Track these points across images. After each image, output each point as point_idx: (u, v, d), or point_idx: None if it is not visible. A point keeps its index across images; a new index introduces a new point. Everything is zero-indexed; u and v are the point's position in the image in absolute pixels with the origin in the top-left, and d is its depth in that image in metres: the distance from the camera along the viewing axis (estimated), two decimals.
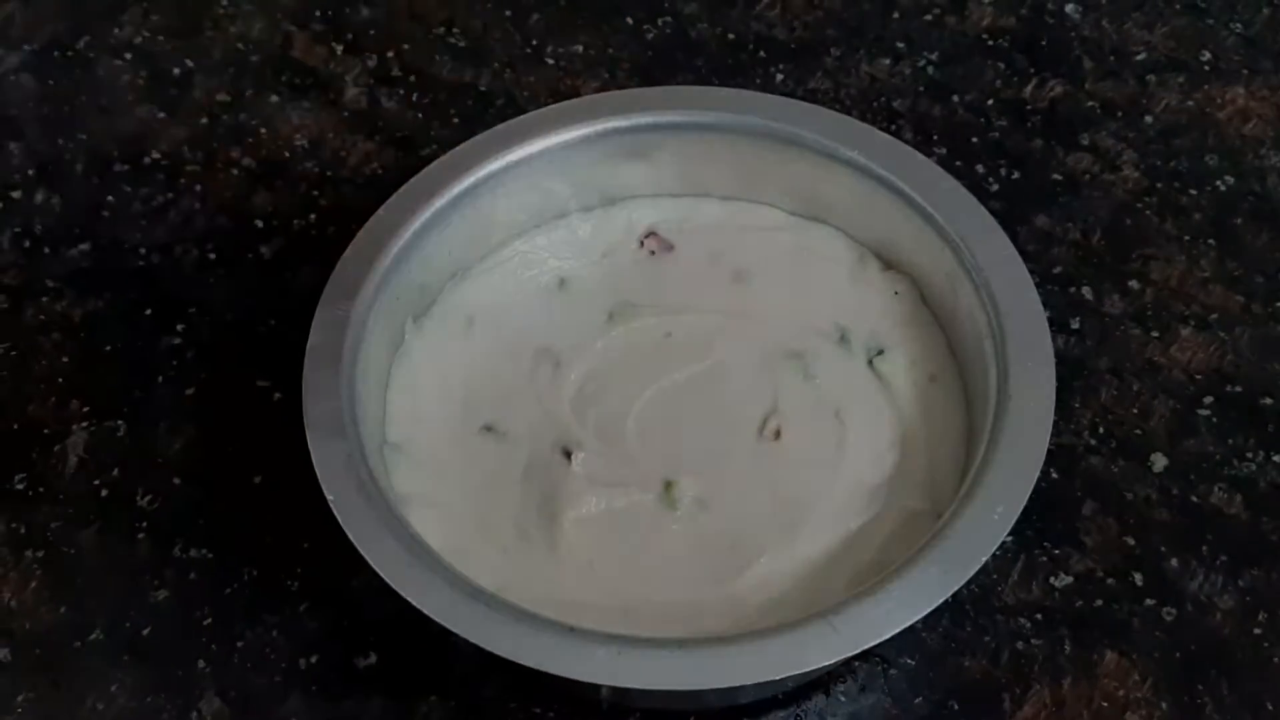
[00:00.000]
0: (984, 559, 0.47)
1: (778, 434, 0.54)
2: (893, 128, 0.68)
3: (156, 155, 0.68)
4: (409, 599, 0.47)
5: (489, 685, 0.53)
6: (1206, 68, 0.70)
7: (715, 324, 0.58)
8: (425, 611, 0.47)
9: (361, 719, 0.53)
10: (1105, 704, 0.52)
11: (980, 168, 0.66)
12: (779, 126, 0.59)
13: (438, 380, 0.57)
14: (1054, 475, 0.57)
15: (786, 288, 0.59)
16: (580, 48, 0.72)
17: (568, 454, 0.54)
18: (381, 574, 0.48)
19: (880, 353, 0.57)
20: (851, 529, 0.52)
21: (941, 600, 0.47)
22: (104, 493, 0.58)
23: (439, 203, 0.58)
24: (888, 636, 0.46)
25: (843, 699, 0.53)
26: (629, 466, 0.54)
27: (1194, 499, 0.56)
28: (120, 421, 0.60)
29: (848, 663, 0.53)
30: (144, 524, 0.57)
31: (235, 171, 0.68)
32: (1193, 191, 0.65)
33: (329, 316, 0.54)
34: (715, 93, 0.63)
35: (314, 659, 0.54)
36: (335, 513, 0.49)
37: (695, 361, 0.57)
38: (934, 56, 0.71)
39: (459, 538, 0.52)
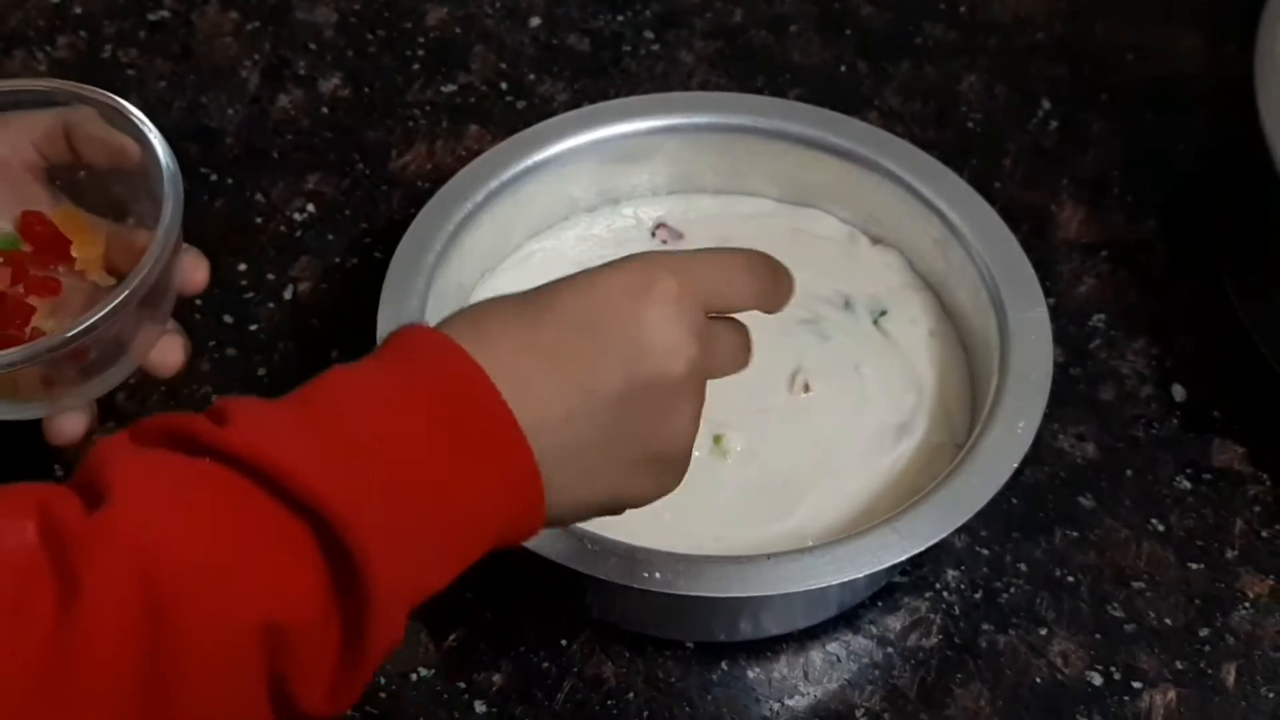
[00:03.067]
0: (1014, 465, 0.58)
1: (806, 388, 0.64)
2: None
3: None
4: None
5: (580, 636, 0.61)
6: None
7: None
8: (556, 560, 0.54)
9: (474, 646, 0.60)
10: None
11: None
12: (766, 122, 0.70)
13: None
14: None
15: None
16: None
17: None
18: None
19: (883, 313, 0.67)
20: (884, 463, 0.62)
21: (985, 502, 0.57)
22: None
23: (469, 205, 0.66)
24: (946, 534, 0.56)
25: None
26: None
27: None
28: None
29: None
30: None
31: None
32: None
33: (392, 312, 0.62)
34: (706, 97, 0.73)
35: None
36: None
37: None
38: None
39: None
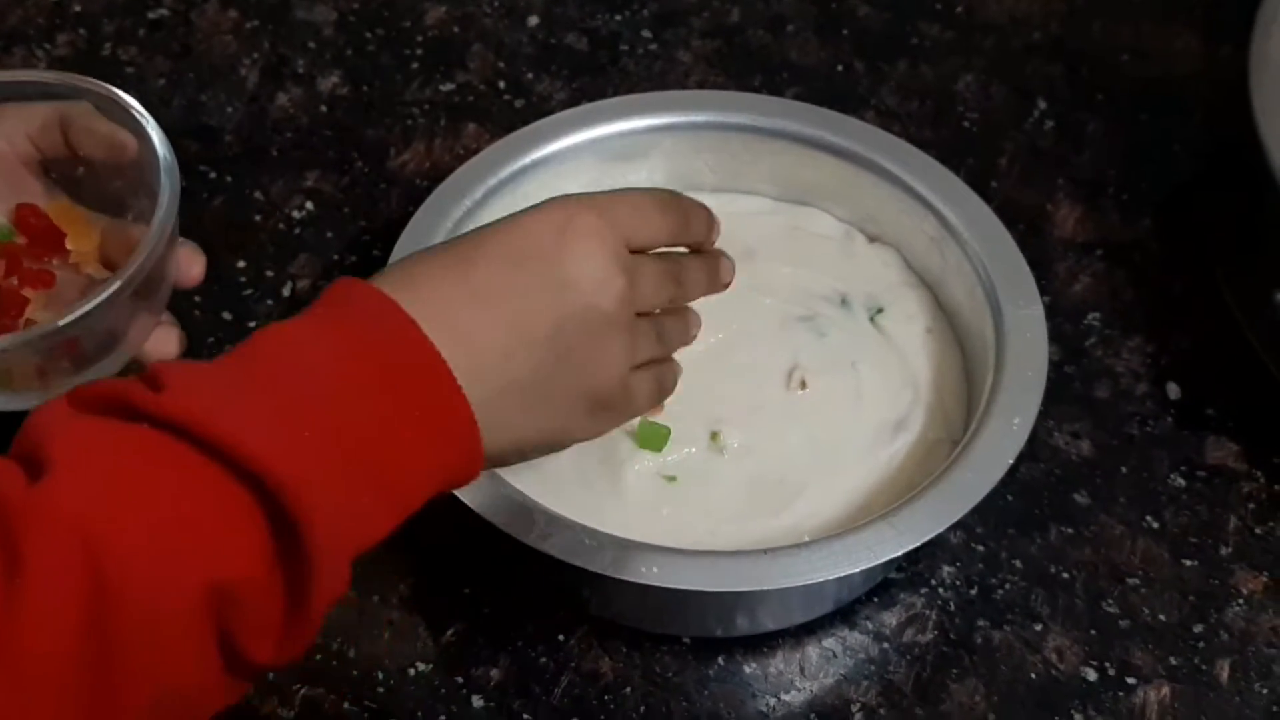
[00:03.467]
0: (1010, 461, 0.58)
1: (804, 384, 0.65)
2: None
3: None
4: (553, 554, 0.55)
5: (578, 632, 0.61)
6: None
7: (730, 297, 0.67)
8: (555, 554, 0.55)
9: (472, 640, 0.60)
10: None
11: None
12: (764, 121, 0.70)
13: None
14: None
15: (787, 262, 0.69)
16: None
17: None
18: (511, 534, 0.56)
19: (880, 311, 0.68)
20: (881, 459, 0.63)
21: (981, 497, 0.57)
22: None
23: (468, 203, 0.67)
24: (942, 529, 0.56)
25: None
26: (674, 423, 0.63)
27: None
28: None
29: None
30: None
31: None
32: None
33: None
34: (704, 95, 0.74)
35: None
36: None
37: (718, 330, 0.66)
38: None
39: (529, 495, 0.60)
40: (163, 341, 0.59)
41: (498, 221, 0.50)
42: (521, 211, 0.50)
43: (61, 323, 0.53)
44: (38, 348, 0.54)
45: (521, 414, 0.48)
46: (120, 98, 0.59)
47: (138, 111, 0.58)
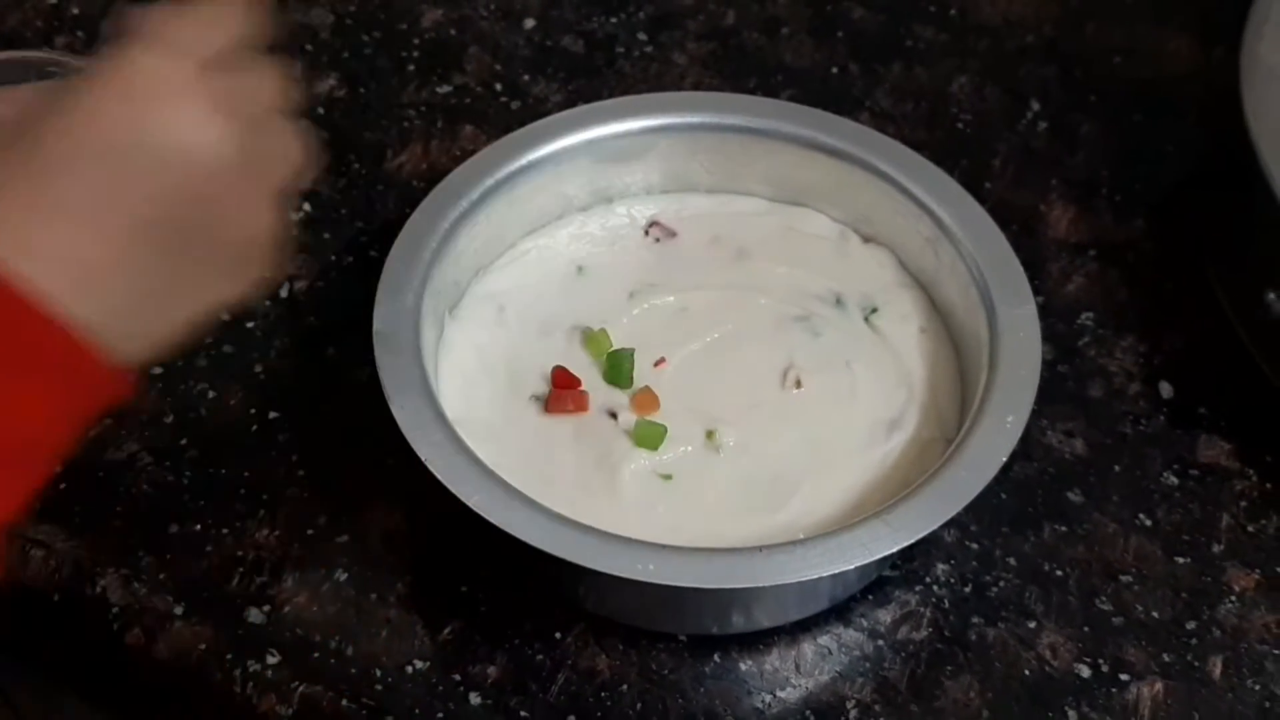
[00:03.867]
0: (1004, 459, 0.59)
1: (799, 383, 0.65)
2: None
3: None
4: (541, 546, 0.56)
5: (574, 629, 0.62)
6: None
7: (725, 297, 0.68)
8: (550, 550, 0.55)
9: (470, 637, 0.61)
10: None
11: None
12: (759, 122, 0.71)
13: (480, 362, 0.66)
14: None
15: (782, 262, 0.70)
16: None
17: (613, 415, 0.64)
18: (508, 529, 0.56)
19: (874, 311, 0.68)
20: (875, 458, 0.63)
21: (975, 495, 0.58)
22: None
23: (464, 204, 0.67)
24: (937, 526, 0.57)
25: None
26: (670, 422, 0.63)
27: None
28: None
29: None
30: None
31: None
32: None
33: (387, 309, 0.63)
34: (700, 97, 0.74)
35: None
36: (431, 468, 0.58)
37: (714, 330, 0.67)
38: None
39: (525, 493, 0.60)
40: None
41: (57, 103, 0.43)
42: (80, 86, 0.43)
43: None
44: None
45: (163, 301, 0.44)
46: None
47: None
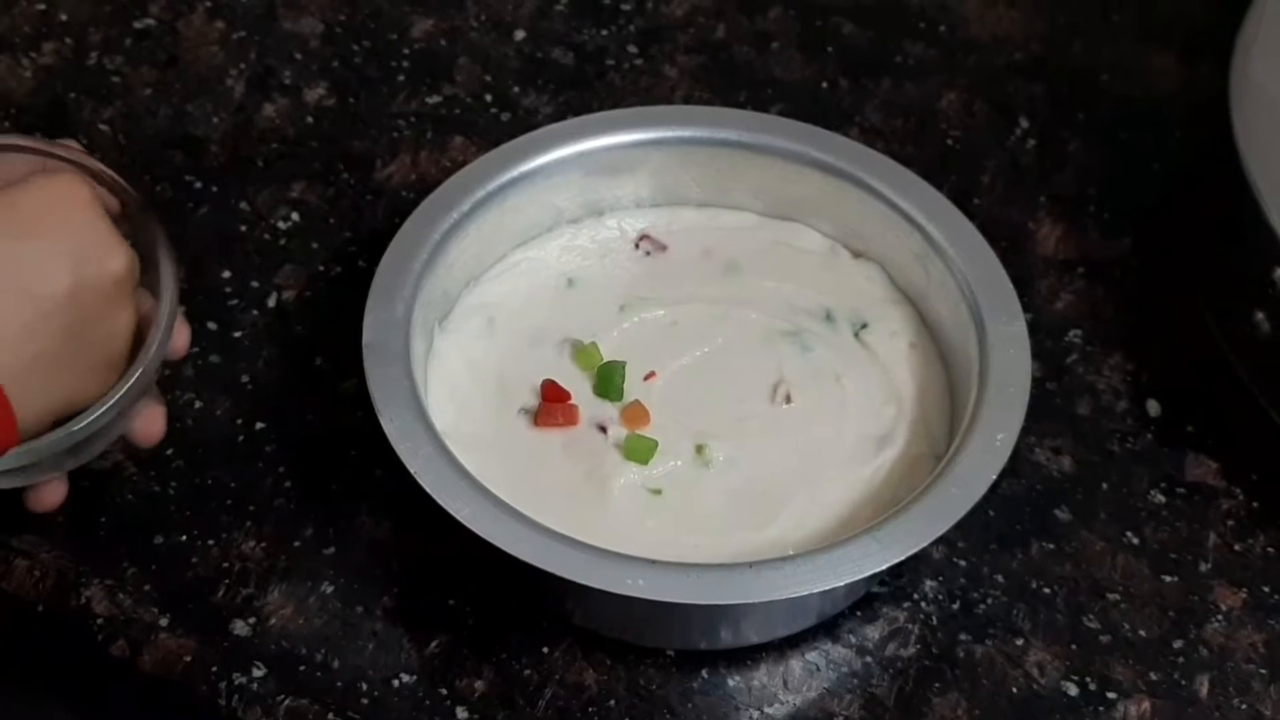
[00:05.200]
0: (993, 477, 0.59)
1: (789, 398, 0.65)
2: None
3: None
4: (524, 558, 0.55)
5: (562, 643, 0.61)
6: None
7: (715, 311, 0.68)
8: (541, 565, 0.55)
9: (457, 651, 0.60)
10: None
11: None
12: (750, 137, 0.70)
13: (470, 374, 0.65)
14: None
15: (772, 277, 0.70)
16: None
17: (603, 429, 0.63)
18: (492, 540, 0.56)
19: (864, 326, 0.68)
20: (865, 474, 0.63)
21: (965, 512, 0.57)
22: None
23: (455, 215, 0.67)
24: (926, 544, 0.57)
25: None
26: (659, 436, 0.63)
27: None
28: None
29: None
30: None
31: None
32: None
33: (377, 319, 0.62)
34: (690, 111, 0.74)
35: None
36: (419, 480, 0.57)
37: (704, 344, 0.67)
38: None
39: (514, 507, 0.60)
40: (151, 421, 0.59)
41: None
42: (10, 190, 0.50)
43: (72, 429, 0.54)
44: (41, 453, 0.54)
45: (49, 384, 0.49)
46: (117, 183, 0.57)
47: (133, 196, 0.57)
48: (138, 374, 0.54)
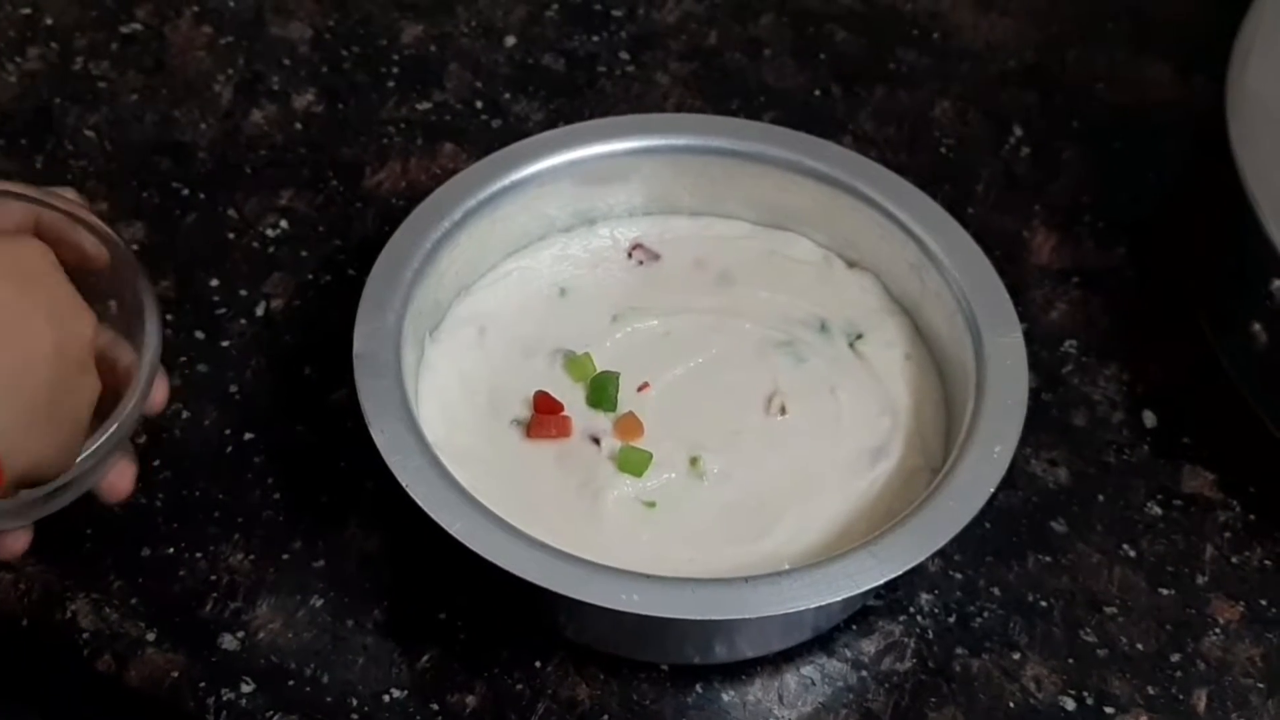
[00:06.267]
0: (991, 490, 0.58)
1: (783, 410, 0.64)
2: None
3: None
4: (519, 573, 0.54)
5: (555, 658, 0.61)
6: None
7: (709, 321, 0.68)
8: (528, 578, 0.54)
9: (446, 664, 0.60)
10: None
11: None
12: (743, 146, 0.70)
13: (461, 384, 0.65)
14: None
15: (766, 287, 0.69)
16: None
17: (596, 440, 0.63)
18: (484, 554, 0.55)
19: (859, 337, 0.67)
20: (860, 486, 0.62)
21: (962, 526, 0.57)
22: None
23: (446, 224, 0.66)
24: (923, 558, 0.56)
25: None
26: (653, 448, 0.62)
27: None
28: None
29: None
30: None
31: None
32: None
33: (368, 329, 0.61)
34: (683, 119, 0.73)
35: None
36: (411, 493, 0.56)
37: (697, 354, 0.66)
38: None
39: (506, 520, 0.59)
40: (120, 476, 0.57)
41: None
42: None
43: (47, 490, 0.52)
44: (19, 512, 0.53)
45: (39, 436, 0.48)
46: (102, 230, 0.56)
47: (115, 243, 0.56)
48: (114, 427, 0.53)
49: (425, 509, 0.56)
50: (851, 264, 0.70)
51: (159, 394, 0.57)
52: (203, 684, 0.60)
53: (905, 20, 0.86)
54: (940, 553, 0.61)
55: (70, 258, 0.56)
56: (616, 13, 0.85)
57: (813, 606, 0.55)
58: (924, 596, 0.64)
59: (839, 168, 0.69)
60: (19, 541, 0.56)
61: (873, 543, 0.56)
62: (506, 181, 0.68)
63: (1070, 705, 0.61)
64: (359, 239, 0.74)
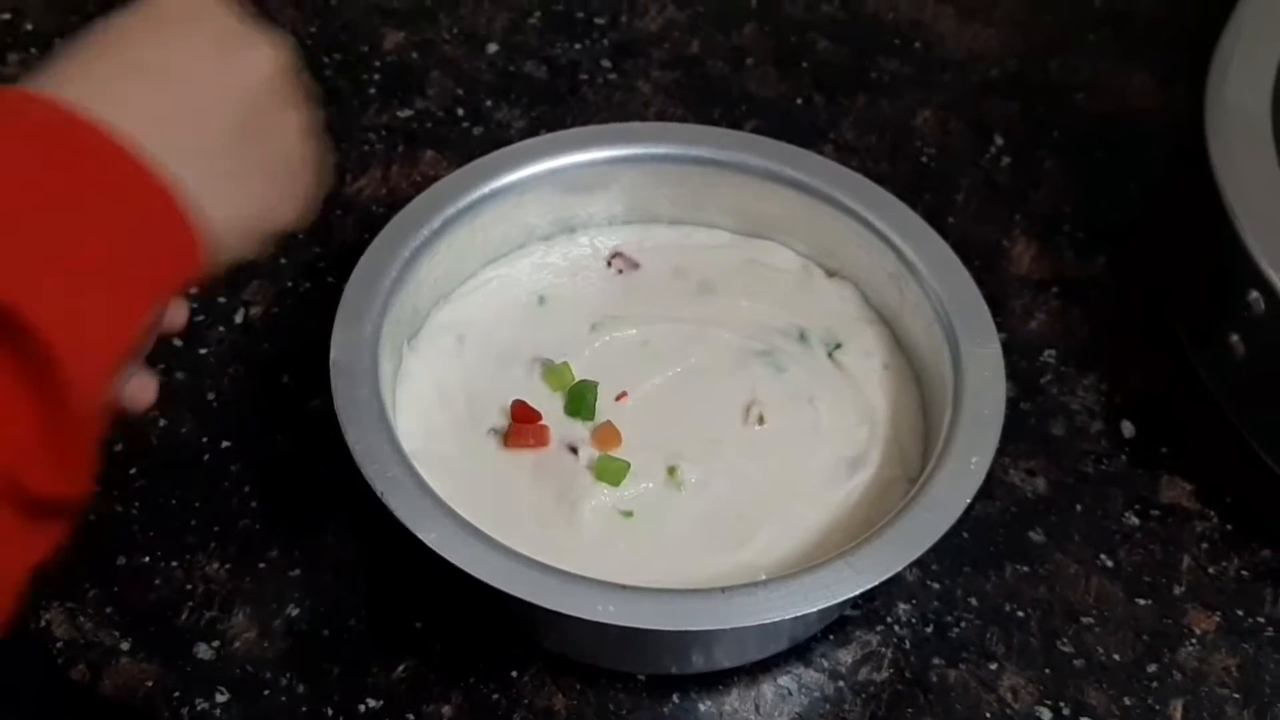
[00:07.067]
0: (968, 500, 0.58)
1: (761, 419, 0.64)
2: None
3: None
4: (494, 584, 0.54)
5: (531, 668, 0.61)
6: None
7: (688, 331, 0.68)
8: (510, 591, 0.54)
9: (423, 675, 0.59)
10: None
11: None
12: (723, 155, 0.70)
13: (439, 393, 0.65)
14: None
15: (745, 296, 0.69)
16: None
17: (574, 450, 0.63)
18: (461, 565, 0.55)
19: (838, 346, 0.67)
20: (838, 496, 0.62)
21: (939, 537, 0.57)
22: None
23: (425, 232, 0.66)
24: (900, 569, 0.56)
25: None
26: (631, 457, 0.62)
27: None
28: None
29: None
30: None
31: None
32: None
33: (346, 337, 0.61)
34: (663, 128, 0.73)
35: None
36: (386, 502, 0.56)
37: (676, 364, 0.66)
38: None
39: (483, 530, 0.59)
40: (142, 389, 0.55)
41: (121, 16, 0.46)
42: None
43: None
44: None
45: (230, 184, 0.45)
46: None
47: None
48: None
49: (401, 518, 0.56)
50: (831, 273, 0.70)
51: (179, 316, 0.55)
52: (177, 694, 0.59)
53: (887, 29, 0.86)
54: (918, 563, 0.61)
55: None
56: (599, 20, 0.85)
57: (789, 617, 0.55)
58: (901, 607, 0.64)
59: (818, 177, 0.69)
60: (147, 391, 0.53)
61: (850, 553, 0.56)
62: (486, 189, 0.67)
63: (1047, 715, 0.61)
64: (339, 246, 0.74)
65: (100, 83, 0.43)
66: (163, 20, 0.46)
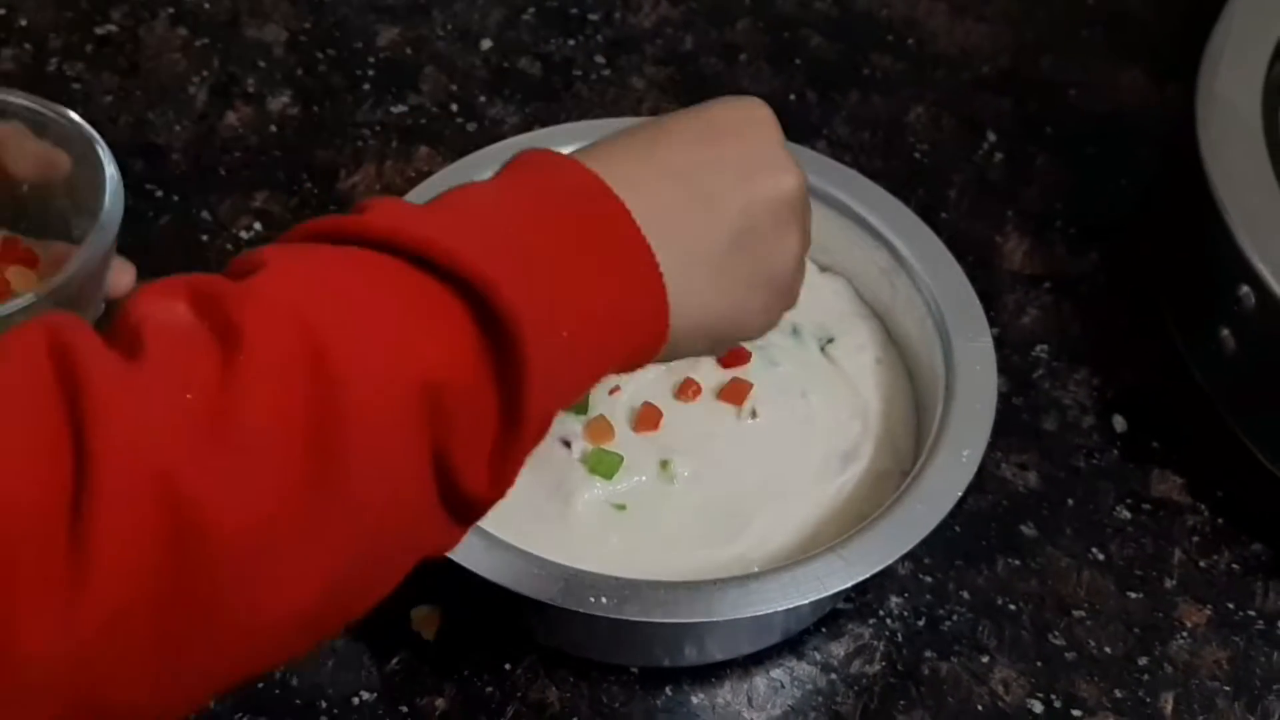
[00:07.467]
0: (959, 493, 0.58)
1: (754, 414, 0.64)
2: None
3: None
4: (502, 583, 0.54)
5: (524, 661, 0.61)
6: None
7: None
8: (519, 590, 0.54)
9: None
10: None
11: None
12: None
13: None
14: None
15: None
16: None
17: (567, 443, 0.63)
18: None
19: (830, 341, 0.67)
20: (830, 490, 0.63)
21: (931, 529, 0.57)
22: None
23: None
24: (892, 561, 0.56)
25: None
26: (624, 450, 0.62)
27: None
28: None
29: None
30: None
31: None
32: None
33: None
34: None
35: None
36: None
37: None
38: None
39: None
40: (121, 273, 0.58)
41: (677, 111, 0.50)
42: (701, 104, 0.50)
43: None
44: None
45: (706, 289, 0.47)
46: (59, 111, 0.58)
47: (72, 121, 0.57)
48: (54, 284, 0.54)
49: None
50: (823, 268, 0.70)
51: (125, 278, 0.58)
52: None
53: (880, 26, 0.86)
54: (910, 556, 0.61)
55: (31, 170, 0.59)
56: (593, 16, 0.85)
57: (781, 609, 0.55)
58: (893, 599, 0.64)
59: (811, 172, 0.67)
60: (126, 274, 0.57)
61: (842, 546, 0.57)
62: None
63: (1038, 708, 0.61)
64: None
65: (632, 170, 0.46)
66: (710, 130, 0.49)
